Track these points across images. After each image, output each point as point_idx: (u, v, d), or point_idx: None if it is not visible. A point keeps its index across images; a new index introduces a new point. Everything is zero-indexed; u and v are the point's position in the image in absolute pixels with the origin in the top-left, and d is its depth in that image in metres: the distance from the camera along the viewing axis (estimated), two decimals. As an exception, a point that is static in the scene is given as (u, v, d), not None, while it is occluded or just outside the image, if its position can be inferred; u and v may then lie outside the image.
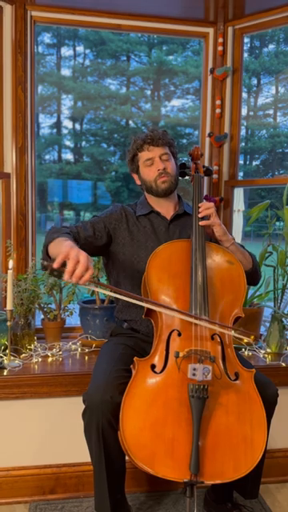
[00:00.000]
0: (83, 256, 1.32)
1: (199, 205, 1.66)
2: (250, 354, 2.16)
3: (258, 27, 2.41)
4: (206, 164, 2.49)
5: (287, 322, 2.18)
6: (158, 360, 1.42)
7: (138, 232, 1.80)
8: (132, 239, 1.79)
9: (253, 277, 1.76)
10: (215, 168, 2.46)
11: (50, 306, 2.21)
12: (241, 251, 1.72)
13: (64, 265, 1.31)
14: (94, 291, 2.25)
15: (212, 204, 1.66)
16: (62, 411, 1.90)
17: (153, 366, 1.41)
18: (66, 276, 1.29)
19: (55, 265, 1.30)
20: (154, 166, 1.77)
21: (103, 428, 1.41)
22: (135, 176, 1.87)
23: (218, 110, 2.45)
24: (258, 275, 1.81)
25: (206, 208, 1.64)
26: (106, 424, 1.40)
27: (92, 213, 10.85)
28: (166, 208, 1.84)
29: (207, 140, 2.49)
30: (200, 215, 1.64)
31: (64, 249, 1.34)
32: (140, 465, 1.28)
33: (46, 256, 1.53)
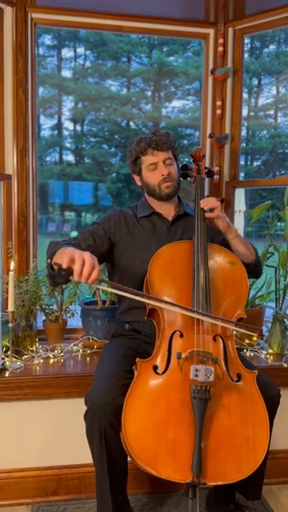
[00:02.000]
0: (88, 256, 1.36)
1: (201, 201, 1.66)
2: (252, 354, 2.15)
3: (258, 28, 2.40)
4: (207, 165, 2.49)
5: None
6: (160, 361, 1.42)
7: (140, 234, 1.80)
8: (133, 242, 1.79)
9: (256, 268, 1.77)
10: (216, 169, 2.45)
11: (51, 307, 2.21)
12: (244, 243, 1.71)
13: (68, 273, 1.35)
14: (95, 292, 2.25)
15: (215, 198, 1.66)
16: (63, 412, 1.90)
17: (155, 367, 1.41)
18: (75, 276, 1.33)
19: (64, 265, 1.34)
20: (157, 170, 1.77)
21: (105, 429, 1.41)
22: (136, 177, 1.87)
23: (218, 111, 2.45)
24: (260, 267, 1.82)
25: (210, 201, 1.64)
26: (108, 425, 1.40)
27: (93, 214, 10.87)
28: (167, 209, 1.84)
29: (208, 141, 2.49)
30: (206, 207, 1.63)
31: (67, 252, 1.37)
32: (142, 466, 1.28)
33: (52, 270, 1.56)
